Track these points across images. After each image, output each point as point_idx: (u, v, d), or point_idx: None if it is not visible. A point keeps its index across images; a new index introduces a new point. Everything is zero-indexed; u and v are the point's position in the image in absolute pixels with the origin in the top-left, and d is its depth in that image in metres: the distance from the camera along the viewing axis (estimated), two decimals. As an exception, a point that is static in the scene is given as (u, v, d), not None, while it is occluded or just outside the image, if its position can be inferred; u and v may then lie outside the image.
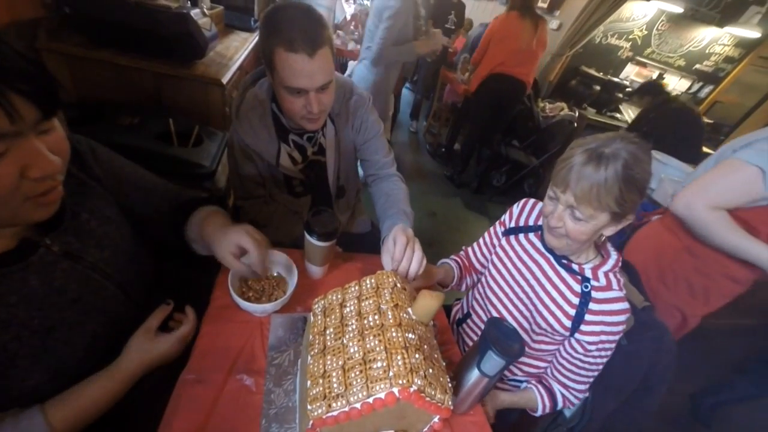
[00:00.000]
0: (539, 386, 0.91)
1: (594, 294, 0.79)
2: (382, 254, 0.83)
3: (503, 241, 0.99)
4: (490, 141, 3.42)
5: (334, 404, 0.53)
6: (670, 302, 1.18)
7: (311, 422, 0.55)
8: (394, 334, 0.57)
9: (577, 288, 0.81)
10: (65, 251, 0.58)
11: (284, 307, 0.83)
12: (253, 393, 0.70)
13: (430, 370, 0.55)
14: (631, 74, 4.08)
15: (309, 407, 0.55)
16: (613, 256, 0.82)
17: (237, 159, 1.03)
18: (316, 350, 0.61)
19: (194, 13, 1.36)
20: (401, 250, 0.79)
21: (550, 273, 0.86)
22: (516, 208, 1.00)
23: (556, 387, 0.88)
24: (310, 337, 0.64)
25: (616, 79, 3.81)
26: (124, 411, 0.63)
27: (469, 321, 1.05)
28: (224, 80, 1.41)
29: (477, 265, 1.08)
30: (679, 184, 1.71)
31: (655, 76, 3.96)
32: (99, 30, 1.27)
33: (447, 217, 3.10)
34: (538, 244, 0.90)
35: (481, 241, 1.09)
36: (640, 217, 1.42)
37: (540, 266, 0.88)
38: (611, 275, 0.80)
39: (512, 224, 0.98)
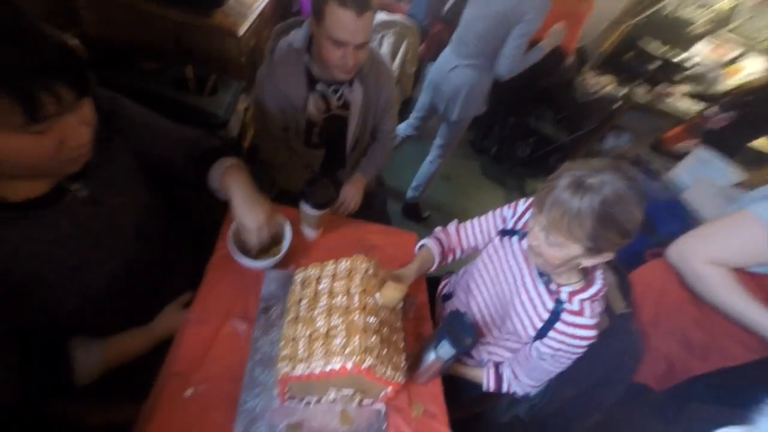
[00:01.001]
0: (491, 368, 0.97)
1: (563, 316, 0.80)
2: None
3: (496, 240, 0.99)
4: (518, 110, 3.21)
5: (298, 366, 0.61)
6: (658, 350, 1.07)
7: (280, 377, 0.64)
8: (356, 317, 0.63)
9: (550, 306, 0.82)
10: (90, 196, 0.65)
11: (278, 264, 0.91)
12: (242, 338, 0.80)
13: (384, 351, 0.62)
14: (703, 52, 3.55)
15: (278, 365, 0.64)
16: (597, 285, 0.80)
17: (265, 100, 1.11)
18: (290, 316, 0.69)
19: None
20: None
21: (529, 284, 0.87)
22: (520, 206, 0.96)
23: (507, 374, 0.94)
24: (288, 304, 0.72)
25: (677, 59, 3.34)
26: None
27: (452, 300, 1.11)
28: (241, 31, 1.40)
29: (465, 246, 1.08)
30: (717, 189, 1.55)
31: (733, 55, 3.43)
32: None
33: (461, 183, 3.03)
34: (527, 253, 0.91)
35: (476, 223, 1.06)
36: (650, 245, 1.31)
37: (522, 275, 0.89)
38: (587, 303, 0.79)
39: (510, 225, 0.97)
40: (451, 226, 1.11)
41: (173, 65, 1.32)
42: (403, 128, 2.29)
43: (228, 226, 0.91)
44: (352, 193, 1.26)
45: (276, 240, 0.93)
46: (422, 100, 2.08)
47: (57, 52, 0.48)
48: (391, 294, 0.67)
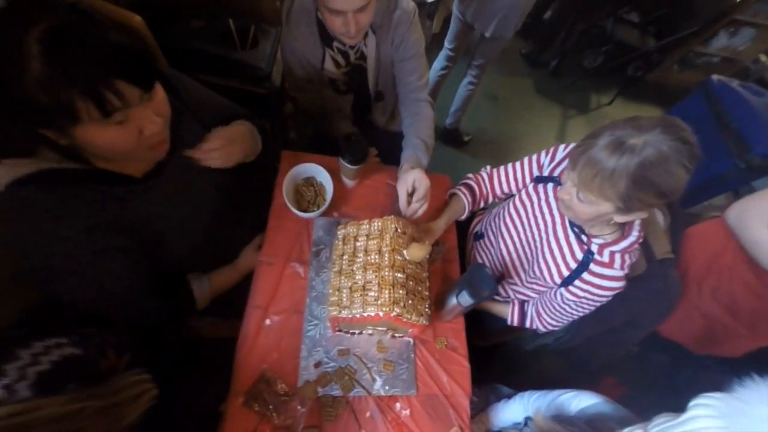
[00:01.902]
0: (516, 305, 1.07)
1: (592, 267, 0.82)
2: (398, 184, 0.98)
3: (530, 188, 0.99)
4: (592, 14, 2.71)
5: (342, 311, 0.78)
6: (698, 308, 1.06)
7: (330, 317, 0.81)
8: (386, 273, 0.76)
9: (579, 255, 0.85)
10: (181, 165, 0.78)
11: (324, 213, 1.05)
12: (301, 278, 0.99)
13: (410, 301, 0.76)
14: None
15: (329, 308, 0.81)
16: (631, 238, 0.80)
17: (287, 58, 1.14)
18: (335, 269, 0.84)
19: None
20: (418, 198, 0.94)
21: (560, 233, 0.90)
22: (559, 153, 0.93)
23: (531, 312, 1.04)
24: (333, 257, 0.86)
25: None
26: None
27: (482, 240, 1.18)
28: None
29: (498, 192, 1.09)
30: None
31: None
32: None
33: (510, 103, 2.76)
34: None
35: (511, 170, 1.05)
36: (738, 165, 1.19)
37: (554, 223, 0.91)
38: (618, 255, 0.80)
39: (546, 172, 0.96)
40: (484, 172, 1.11)
41: (215, 19, 1.37)
42: (435, 65, 2.13)
43: (282, 178, 1.05)
44: (410, 183, 0.97)
45: (320, 192, 1.07)
46: (454, 16, 1.88)
47: (118, 53, 0.54)
48: (417, 253, 0.78)
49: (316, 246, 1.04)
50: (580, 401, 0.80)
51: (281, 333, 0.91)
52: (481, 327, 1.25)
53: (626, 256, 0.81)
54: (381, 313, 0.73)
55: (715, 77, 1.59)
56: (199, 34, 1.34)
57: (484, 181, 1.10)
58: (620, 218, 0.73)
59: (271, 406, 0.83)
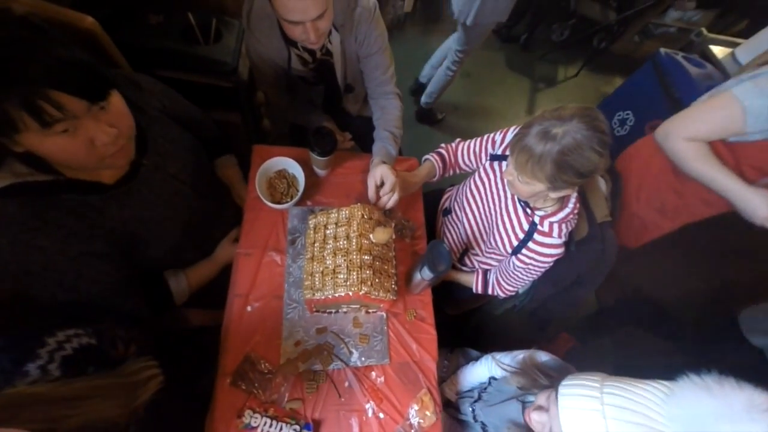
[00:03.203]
0: (480, 274, 1.18)
1: (535, 236, 0.94)
2: (368, 177, 1.03)
3: (487, 165, 1.09)
4: None
5: (316, 293, 0.85)
6: (636, 214, 1.27)
7: (305, 299, 0.89)
8: (354, 257, 0.83)
9: (526, 226, 0.97)
10: (155, 166, 0.80)
11: (297, 203, 1.10)
12: (279, 265, 1.06)
13: (377, 280, 0.84)
14: None
15: (304, 292, 0.88)
16: (567, 209, 0.92)
17: (252, 58, 1.15)
18: (308, 256, 0.91)
19: None
20: (386, 192, 1.00)
21: (510, 207, 1.00)
22: (509, 134, 1.03)
23: (492, 278, 1.15)
24: (306, 244, 0.93)
25: None
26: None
27: (450, 216, 1.28)
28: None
29: (461, 164, 1.19)
30: None
31: None
32: None
33: (482, 78, 2.84)
34: None
35: (471, 145, 1.15)
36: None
37: (506, 197, 1.02)
38: (555, 225, 0.92)
39: (499, 151, 1.05)
40: (454, 143, 1.20)
41: (174, 13, 1.35)
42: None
43: (254, 173, 1.09)
44: (379, 177, 1.02)
45: (292, 184, 1.12)
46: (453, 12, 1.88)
47: (61, 66, 0.54)
48: (381, 236, 0.86)
49: (291, 234, 1.10)
50: (540, 357, 0.92)
51: (263, 317, 0.99)
52: (451, 297, 1.36)
53: (563, 226, 0.93)
54: (350, 293, 0.80)
55: (662, 50, 1.68)
56: (159, 30, 1.32)
57: (452, 149, 1.20)
58: (553, 194, 0.84)
59: (256, 384, 0.91)
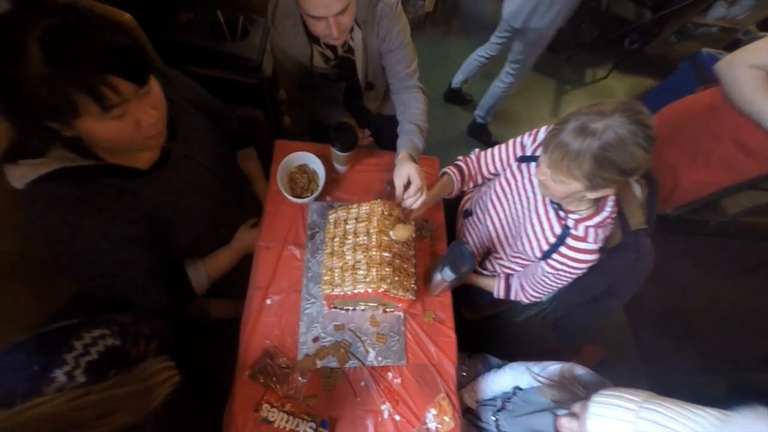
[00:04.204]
0: (502, 278, 1.13)
1: (568, 241, 0.88)
2: (395, 173, 1.00)
3: (515, 167, 1.04)
4: None
5: (335, 289, 0.84)
6: (668, 162, 1.24)
7: (324, 295, 0.88)
8: (374, 253, 0.81)
9: (558, 230, 0.91)
10: (184, 154, 0.83)
11: (317, 198, 1.10)
12: (298, 260, 1.06)
13: (396, 278, 0.82)
14: None
15: (322, 287, 0.87)
16: (604, 213, 0.85)
17: (278, 57, 1.17)
18: (328, 250, 0.90)
19: None
20: (413, 192, 0.94)
21: (541, 210, 0.95)
22: (541, 134, 0.98)
23: (515, 285, 1.10)
24: (326, 239, 0.92)
25: None
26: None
27: (471, 218, 1.24)
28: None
29: (485, 172, 1.14)
30: None
31: None
32: None
33: None
34: None
35: (497, 152, 1.10)
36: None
37: (536, 200, 0.96)
38: (591, 230, 0.85)
39: (529, 152, 1.00)
40: (473, 154, 1.16)
41: (203, 11, 1.38)
42: (477, 50, 2.12)
43: (276, 166, 1.10)
44: (405, 177, 0.97)
45: (313, 179, 1.12)
46: (502, 15, 1.82)
47: (112, 51, 0.57)
48: (402, 233, 0.84)
49: (311, 229, 1.10)
50: (573, 369, 0.86)
51: (281, 311, 0.98)
52: (471, 301, 1.33)
53: (599, 230, 0.87)
54: (369, 290, 0.79)
55: (704, 50, 1.60)
56: (189, 27, 1.36)
57: (472, 161, 1.15)
58: (590, 195, 0.78)
59: (274, 378, 0.91)
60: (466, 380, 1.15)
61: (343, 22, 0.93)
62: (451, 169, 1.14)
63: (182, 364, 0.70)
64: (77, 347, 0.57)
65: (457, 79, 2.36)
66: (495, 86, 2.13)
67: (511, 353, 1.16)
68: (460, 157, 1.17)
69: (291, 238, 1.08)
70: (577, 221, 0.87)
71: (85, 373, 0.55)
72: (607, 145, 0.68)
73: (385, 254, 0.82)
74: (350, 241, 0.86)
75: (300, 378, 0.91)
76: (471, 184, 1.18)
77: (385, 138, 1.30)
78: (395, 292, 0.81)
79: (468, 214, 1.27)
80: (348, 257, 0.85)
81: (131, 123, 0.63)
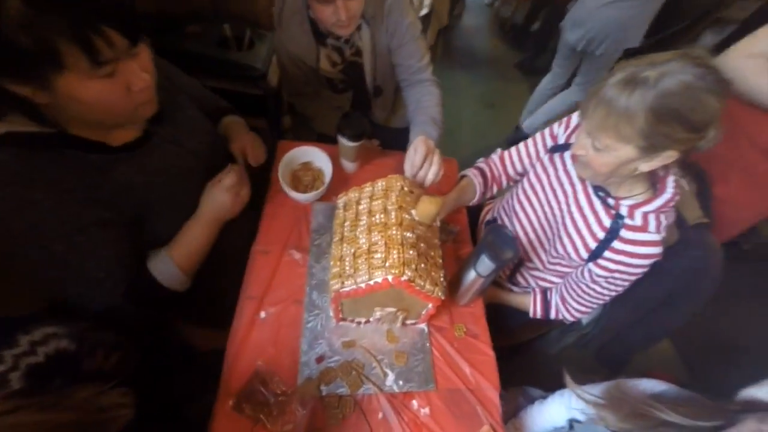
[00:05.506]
0: (538, 294, 0.95)
1: (623, 233, 0.72)
2: (405, 160, 0.89)
3: (546, 159, 0.91)
4: None
5: (346, 282, 0.67)
6: (724, 200, 1.12)
7: (333, 294, 0.71)
8: (394, 232, 0.66)
9: (607, 223, 0.75)
10: (170, 138, 0.75)
11: (323, 197, 0.98)
12: (300, 266, 0.90)
13: (422, 265, 0.65)
14: None
15: (330, 282, 0.70)
16: (666, 194, 0.70)
17: (284, 62, 1.13)
18: (337, 238, 0.75)
19: None
20: (420, 160, 0.84)
21: (583, 201, 0.80)
22: (574, 120, 0.87)
23: (555, 299, 0.92)
24: (334, 227, 0.77)
25: None
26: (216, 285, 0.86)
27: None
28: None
29: (511, 172, 1.02)
30: None
31: None
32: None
33: (506, 110, 2.79)
34: None
35: (523, 147, 0.98)
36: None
37: (575, 192, 0.82)
38: (652, 216, 0.70)
39: (562, 140, 0.88)
40: (494, 155, 1.05)
41: (212, 25, 1.39)
42: (544, 83, 2.22)
43: (278, 161, 0.98)
44: (413, 150, 0.91)
45: (318, 177, 1.00)
46: (563, 42, 1.95)
47: (107, 1, 0.53)
48: (427, 208, 0.69)
49: (316, 232, 0.95)
50: (651, 386, 0.67)
51: (278, 325, 0.80)
52: (501, 324, 1.11)
53: (662, 217, 0.71)
54: (390, 277, 0.62)
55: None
56: (195, 38, 1.36)
57: (495, 163, 1.04)
58: (646, 165, 0.64)
59: (266, 409, 0.70)
60: (506, 417, 0.92)
61: (352, 7, 0.90)
62: (472, 171, 1.02)
63: (143, 397, 0.56)
64: (22, 343, 0.51)
65: (530, 121, 2.39)
66: (553, 106, 2.20)
67: (550, 388, 0.94)
68: (480, 160, 1.06)
69: (293, 241, 0.93)
70: (633, 207, 0.71)
71: (23, 378, 0.49)
72: (668, 92, 0.55)
73: (408, 234, 0.67)
74: (364, 222, 0.71)
75: (299, 408, 0.70)
76: (495, 189, 1.05)
77: (394, 149, 1.23)
78: (421, 283, 0.64)
79: (489, 223, 1.12)
80: (362, 240, 0.69)
81: (121, 85, 0.57)
